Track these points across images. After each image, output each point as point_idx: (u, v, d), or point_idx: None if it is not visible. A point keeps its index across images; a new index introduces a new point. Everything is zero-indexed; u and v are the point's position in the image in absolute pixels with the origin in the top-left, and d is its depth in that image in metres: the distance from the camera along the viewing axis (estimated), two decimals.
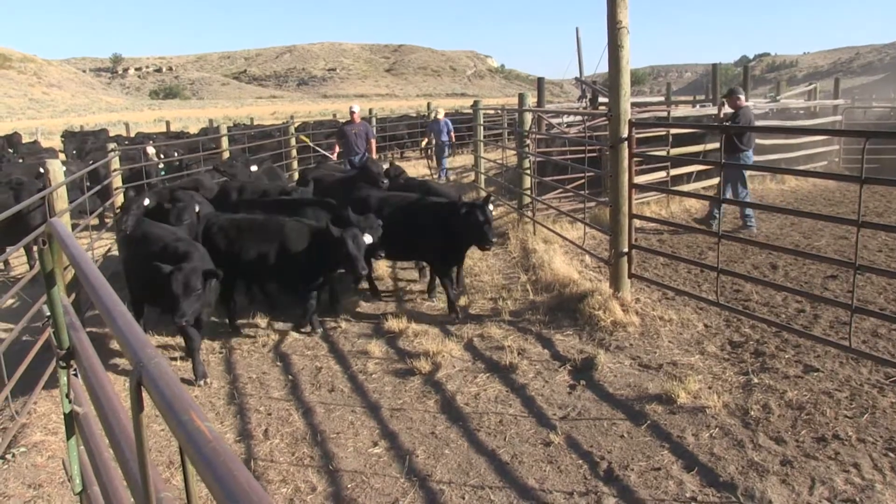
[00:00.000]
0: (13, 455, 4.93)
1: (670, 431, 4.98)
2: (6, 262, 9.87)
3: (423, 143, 19.34)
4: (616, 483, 4.41)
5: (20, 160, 17.09)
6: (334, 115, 37.00)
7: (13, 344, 5.34)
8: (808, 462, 4.47)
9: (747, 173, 11.41)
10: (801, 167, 14.62)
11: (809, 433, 4.81)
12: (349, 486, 4.55)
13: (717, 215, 11.00)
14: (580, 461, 4.69)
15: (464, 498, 4.36)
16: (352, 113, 14.42)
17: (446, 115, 29.20)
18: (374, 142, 14.78)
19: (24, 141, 25.75)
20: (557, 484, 4.45)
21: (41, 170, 9.37)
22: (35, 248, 2.69)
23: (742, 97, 11.34)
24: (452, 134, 19.19)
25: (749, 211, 11.17)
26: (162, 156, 15.29)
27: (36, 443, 5.14)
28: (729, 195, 10.83)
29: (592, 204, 10.90)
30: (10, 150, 20.69)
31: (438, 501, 4.33)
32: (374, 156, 14.43)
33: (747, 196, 11.20)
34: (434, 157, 19.31)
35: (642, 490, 4.32)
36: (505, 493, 4.38)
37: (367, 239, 7.23)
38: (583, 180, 12.64)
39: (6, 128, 38.35)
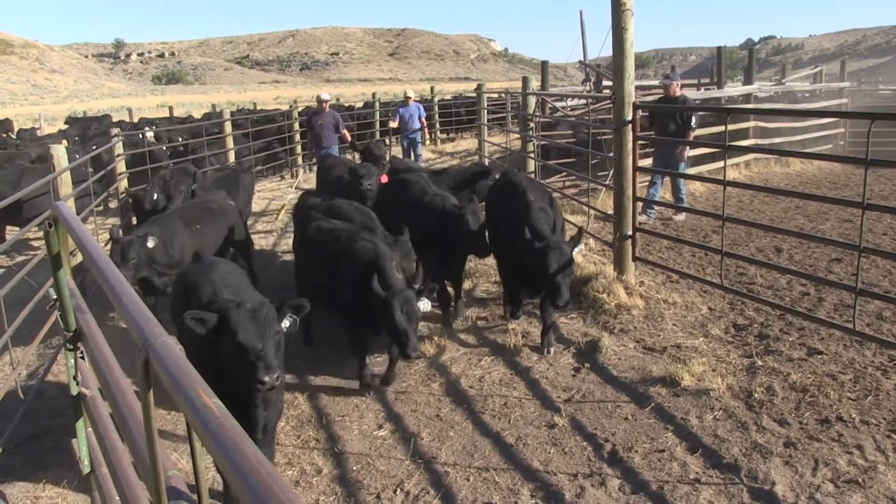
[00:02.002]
0: (23, 438, 4.97)
1: (674, 414, 5.00)
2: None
3: (394, 124, 15.31)
4: (620, 465, 4.43)
5: (17, 145, 17.05)
6: (338, 100, 36.90)
7: (20, 328, 5.36)
8: (811, 444, 4.48)
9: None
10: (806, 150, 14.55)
11: (813, 415, 4.82)
12: (355, 468, 4.58)
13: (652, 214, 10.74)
14: (584, 443, 4.71)
15: (468, 480, 4.38)
16: (320, 103, 13.09)
17: (454, 97, 28.82)
18: (346, 132, 13.21)
19: (27, 127, 25.73)
20: (562, 466, 4.48)
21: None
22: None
23: (676, 83, 10.98)
24: (424, 121, 15.30)
25: (682, 194, 10.93)
26: (167, 140, 15.29)
27: (44, 426, 5.18)
28: (662, 180, 10.80)
29: (597, 187, 10.87)
30: (12, 136, 20.67)
31: (443, 483, 4.36)
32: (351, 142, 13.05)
33: (682, 186, 10.94)
34: (401, 149, 15.55)
35: (646, 472, 4.35)
36: (509, 475, 4.40)
37: (424, 306, 5.25)
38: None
39: (9, 114, 38.30)
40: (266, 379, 3.50)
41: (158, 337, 1.32)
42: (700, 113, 11.87)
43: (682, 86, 18.36)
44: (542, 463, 4.51)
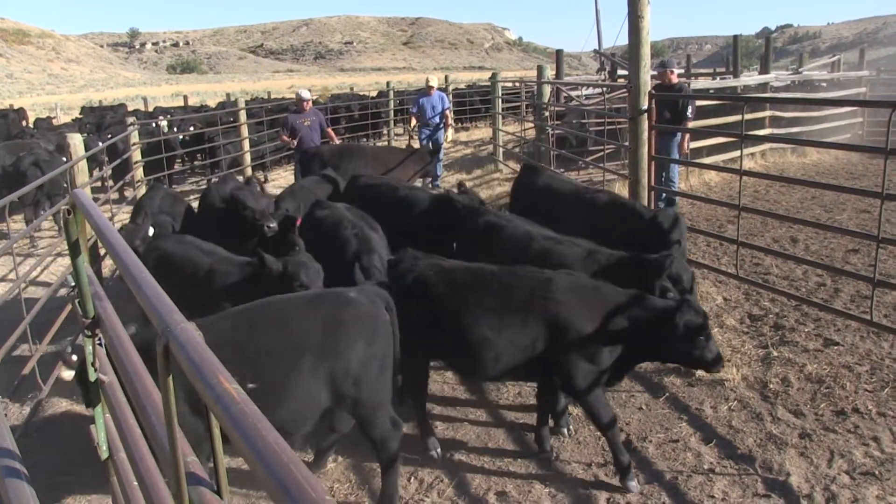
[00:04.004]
0: (42, 423, 5.02)
1: (689, 404, 4.98)
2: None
3: (413, 124, 13.32)
4: (634, 455, 4.42)
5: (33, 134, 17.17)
6: (351, 89, 36.88)
7: (39, 314, 5.42)
8: (826, 435, 4.46)
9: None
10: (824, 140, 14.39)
11: (829, 406, 4.79)
12: (368, 456, 4.59)
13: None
14: (598, 433, 4.70)
15: (483, 468, 4.40)
16: (301, 101, 11.31)
17: (468, 86, 28.45)
18: (331, 131, 12.01)
19: (43, 116, 25.92)
20: (576, 455, 4.48)
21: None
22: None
23: (671, 69, 10.27)
24: (449, 112, 13.12)
25: (675, 186, 10.01)
26: (175, 129, 15.37)
27: (63, 411, 5.24)
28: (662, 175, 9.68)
29: (612, 177, 10.82)
30: (28, 125, 20.82)
31: (457, 472, 4.37)
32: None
33: (676, 178, 10.17)
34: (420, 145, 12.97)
35: (660, 462, 4.35)
36: (523, 464, 4.41)
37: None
38: (601, 153, 12.57)
39: (26, 103, 38.58)
40: None
41: (178, 323, 1.32)
42: (697, 102, 11.48)
43: (698, 75, 18.18)
44: (556, 452, 4.52)
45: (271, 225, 6.12)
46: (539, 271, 4.38)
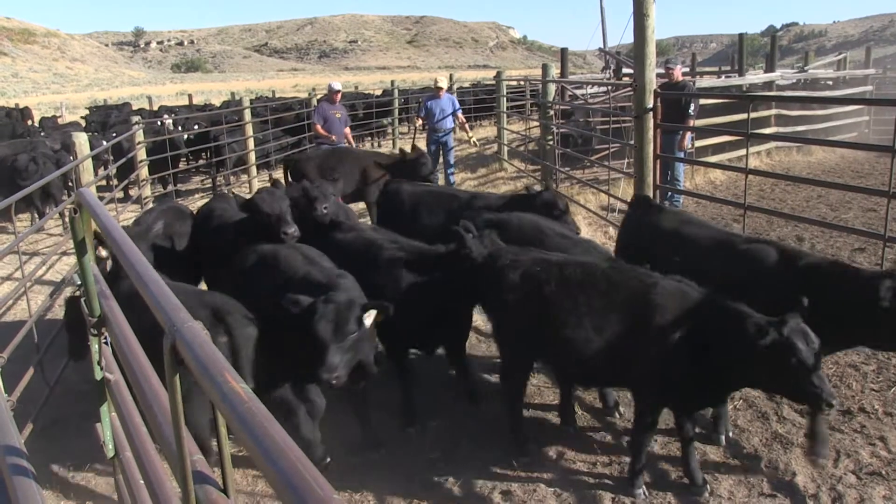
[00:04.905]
0: (49, 422, 5.03)
1: None
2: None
3: (419, 124, 12.40)
4: None
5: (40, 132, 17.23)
6: (356, 88, 36.85)
7: (45, 313, 5.43)
8: (833, 435, 4.45)
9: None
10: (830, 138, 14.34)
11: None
12: (374, 456, 4.58)
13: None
14: (603, 432, 4.70)
15: (487, 468, 4.39)
16: (333, 92, 11.32)
17: (473, 85, 28.36)
18: (348, 130, 11.64)
19: (48, 115, 25.99)
20: (580, 454, 4.47)
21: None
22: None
23: (678, 68, 10.26)
24: (461, 115, 12.14)
25: (680, 185, 10.00)
26: (180, 128, 15.39)
27: (69, 410, 5.24)
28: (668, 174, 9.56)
29: (617, 175, 10.80)
30: (34, 124, 20.87)
31: (462, 471, 4.36)
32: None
33: (682, 177, 10.22)
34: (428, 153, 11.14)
35: (665, 461, 4.34)
36: (528, 464, 4.40)
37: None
38: (606, 151, 12.55)
39: (31, 102, 38.68)
40: None
41: (185, 322, 1.32)
42: (700, 100, 11.35)
43: (703, 74, 18.10)
44: (560, 451, 4.51)
45: (289, 231, 5.54)
46: (648, 274, 4.09)
